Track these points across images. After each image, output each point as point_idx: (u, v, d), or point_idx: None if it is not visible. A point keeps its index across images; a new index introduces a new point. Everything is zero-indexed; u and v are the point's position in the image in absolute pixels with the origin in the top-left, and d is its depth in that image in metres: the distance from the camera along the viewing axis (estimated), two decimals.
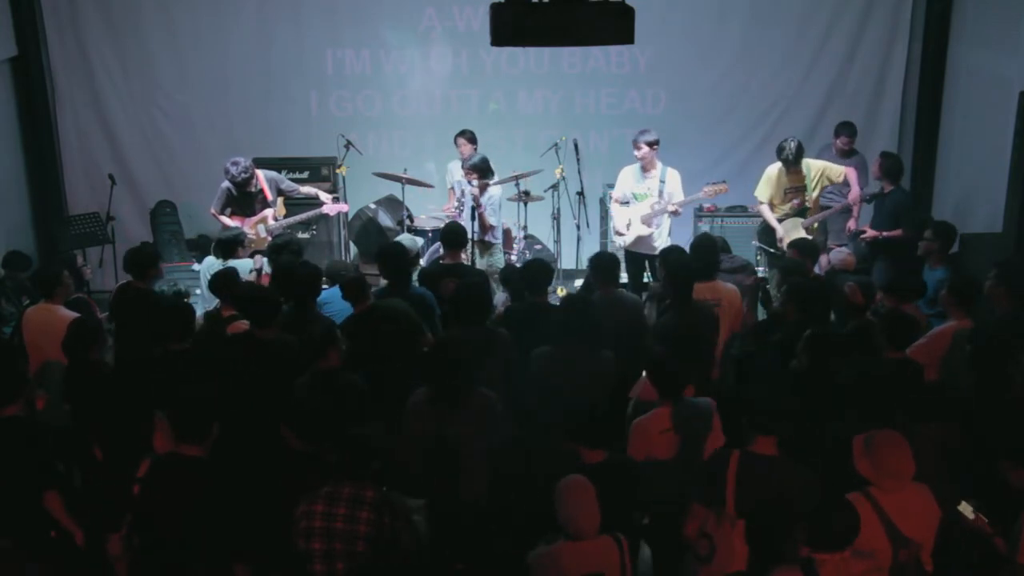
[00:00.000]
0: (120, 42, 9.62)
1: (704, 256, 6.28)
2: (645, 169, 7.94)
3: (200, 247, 9.32)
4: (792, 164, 7.86)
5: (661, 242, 8.02)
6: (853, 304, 5.68)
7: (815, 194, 8.03)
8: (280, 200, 8.26)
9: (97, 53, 9.60)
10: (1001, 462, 3.92)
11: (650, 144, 7.78)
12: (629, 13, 4.85)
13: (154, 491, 3.96)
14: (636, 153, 7.84)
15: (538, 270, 5.96)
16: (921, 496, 3.84)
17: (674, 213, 7.91)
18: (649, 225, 7.96)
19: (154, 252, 6.70)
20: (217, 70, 9.74)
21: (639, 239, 8.02)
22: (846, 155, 8.76)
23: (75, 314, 5.88)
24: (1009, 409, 4.50)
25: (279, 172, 8.64)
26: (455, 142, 8.88)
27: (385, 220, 8.99)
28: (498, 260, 8.13)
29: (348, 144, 8.88)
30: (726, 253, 7.33)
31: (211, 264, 6.89)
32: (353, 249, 9.29)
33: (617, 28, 4.86)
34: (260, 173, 8.10)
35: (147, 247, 7.02)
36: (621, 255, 7.98)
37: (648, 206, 7.96)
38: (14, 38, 9.18)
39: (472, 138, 8.82)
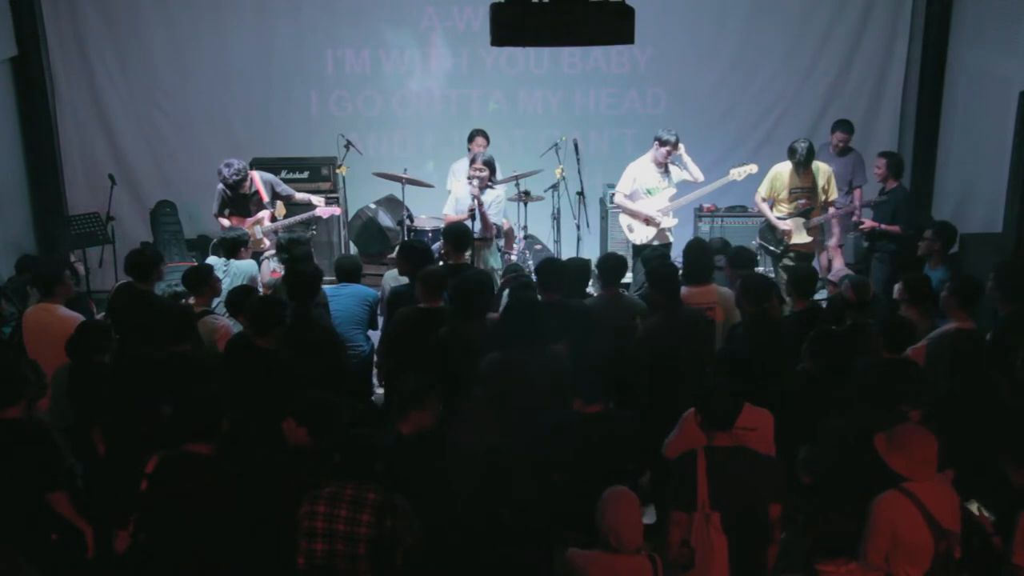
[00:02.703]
0: (120, 42, 9.62)
1: (697, 260, 6.27)
2: (660, 164, 7.99)
3: (200, 247, 9.32)
4: (803, 165, 7.89)
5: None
6: (848, 301, 5.73)
7: (821, 198, 8.03)
8: (280, 202, 8.26)
9: (97, 53, 9.60)
10: (1002, 457, 3.93)
11: (675, 144, 7.92)
12: (629, 13, 4.86)
13: (162, 487, 3.98)
14: (662, 150, 7.90)
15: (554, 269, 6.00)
16: (946, 485, 3.89)
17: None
18: (668, 216, 8.05)
19: (156, 255, 6.68)
20: (217, 70, 9.73)
21: (660, 232, 8.07)
22: (842, 153, 8.77)
23: (75, 314, 5.88)
24: (1004, 409, 4.52)
25: (278, 173, 8.66)
26: (472, 140, 8.88)
27: (385, 220, 9.00)
28: (494, 259, 8.13)
29: (348, 144, 8.89)
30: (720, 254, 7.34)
31: (213, 264, 6.89)
32: (353, 249, 9.29)
33: (617, 28, 4.87)
34: (256, 175, 8.10)
35: (148, 249, 7.00)
36: (626, 251, 8.08)
37: (666, 198, 8.02)
38: (14, 38, 9.18)
39: (487, 137, 8.88)
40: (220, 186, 7.95)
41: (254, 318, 5.18)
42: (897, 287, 5.87)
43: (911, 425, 3.89)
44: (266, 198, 8.12)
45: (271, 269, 6.83)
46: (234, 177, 7.83)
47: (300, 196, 8.41)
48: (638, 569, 3.69)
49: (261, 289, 6.84)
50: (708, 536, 3.85)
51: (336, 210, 8.63)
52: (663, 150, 7.91)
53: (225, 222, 7.90)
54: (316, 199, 8.38)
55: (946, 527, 3.76)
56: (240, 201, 8.02)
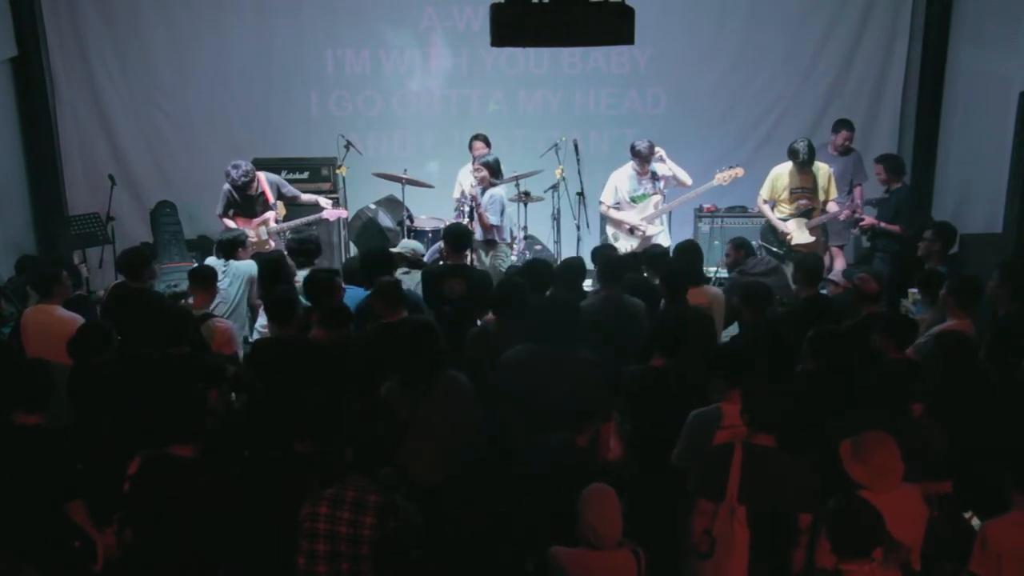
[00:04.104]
0: (120, 42, 9.62)
1: (689, 262, 6.29)
2: (641, 173, 7.99)
3: (200, 247, 9.32)
4: (805, 165, 7.88)
5: (663, 240, 8.11)
6: (865, 293, 5.74)
7: (822, 198, 8.02)
8: (280, 202, 8.25)
9: (97, 53, 9.61)
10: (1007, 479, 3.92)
11: (651, 150, 7.91)
12: (629, 13, 4.86)
13: (143, 489, 3.99)
14: (633, 161, 7.92)
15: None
16: (910, 497, 3.86)
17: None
18: (653, 224, 8.02)
19: (147, 253, 6.65)
20: (217, 70, 9.74)
21: (646, 240, 8.06)
22: (843, 153, 8.75)
23: (73, 314, 5.87)
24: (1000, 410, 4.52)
25: (278, 173, 8.64)
26: (470, 145, 8.89)
27: (385, 220, 9.00)
28: (504, 261, 8.12)
29: (348, 144, 8.89)
30: (752, 256, 7.34)
31: (213, 264, 6.88)
32: (353, 249, 9.29)
33: (617, 28, 4.88)
34: (262, 176, 8.09)
35: (142, 248, 6.98)
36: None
37: (651, 206, 8.01)
38: (14, 38, 9.18)
39: (487, 141, 8.87)
40: (226, 187, 7.94)
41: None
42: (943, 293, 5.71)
43: (876, 434, 3.85)
44: (272, 199, 8.11)
45: None
46: (242, 179, 7.83)
47: (306, 197, 8.40)
48: (621, 564, 3.69)
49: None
50: (732, 528, 3.86)
51: (343, 212, 8.61)
52: (635, 159, 7.94)
53: (230, 223, 7.88)
54: (324, 201, 8.37)
55: (898, 539, 3.71)
56: (246, 202, 8.01)
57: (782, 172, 8.07)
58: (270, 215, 8.06)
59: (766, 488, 3.89)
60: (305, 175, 9.27)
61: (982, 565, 3.72)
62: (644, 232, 8.07)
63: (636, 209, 8.07)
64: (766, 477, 3.91)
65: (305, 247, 6.91)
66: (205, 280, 6.15)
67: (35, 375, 4.39)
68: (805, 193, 7.99)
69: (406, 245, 7.67)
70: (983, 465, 4.25)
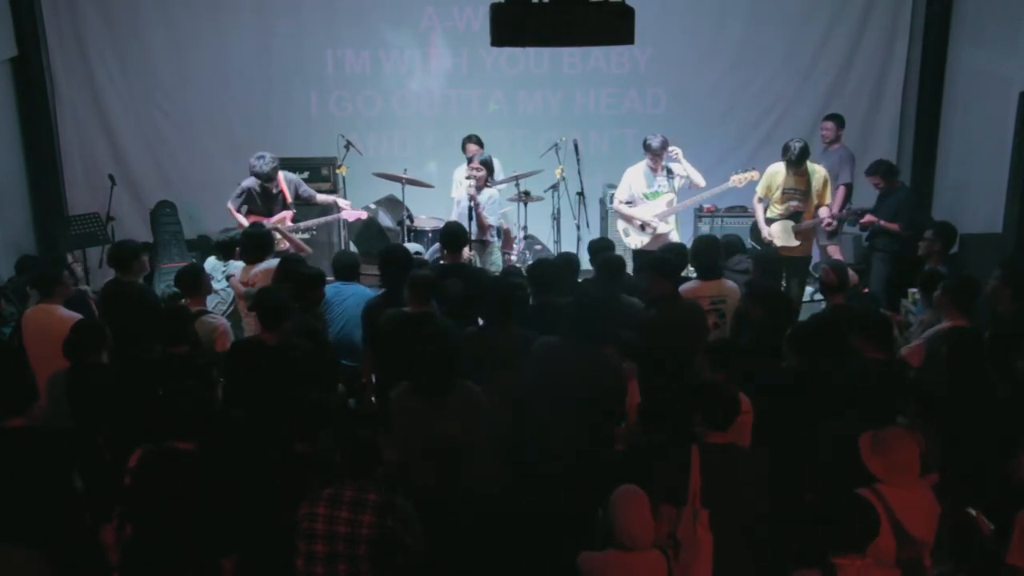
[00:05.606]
0: (120, 42, 9.63)
1: (705, 257, 6.29)
2: (655, 169, 7.98)
3: (200, 247, 9.32)
4: (794, 164, 7.79)
5: (673, 238, 8.10)
6: (828, 284, 5.82)
7: (816, 201, 7.95)
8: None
9: (97, 53, 9.61)
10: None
11: (664, 146, 7.88)
12: (629, 13, 4.86)
13: (144, 482, 3.99)
14: (647, 156, 7.90)
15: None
16: (925, 494, 3.88)
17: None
18: (666, 222, 8.01)
19: (136, 245, 6.60)
20: (217, 70, 9.74)
21: (657, 237, 8.03)
22: (830, 143, 8.72)
23: (74, 314, 5.85)
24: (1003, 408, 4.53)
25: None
26: (463, 148, 8.87)
27: (385, 220, 9.00)
28: (496, 260, 8.12)
29: (348, 144, 8.89)
30: (742, 254, 7.36)
31: (213, 265, 6.89)
32: (353, 249, 9.28)
33: (617, 28, 4.88)
34: (281, 174, 7.97)
35: (129, 241, 6.91)
36: (627, 255, 8.02)
37: (664, 204, 7.99)
38: (14, 38, 9.18)
39: (480, 142, 8.88)
40: (248, 181, 7.80)
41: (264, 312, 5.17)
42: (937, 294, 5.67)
43: (897, 429, 3.89)
44: (289, 198, 8.00)
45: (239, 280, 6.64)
46: (270, 164, 7.67)
47: (322, 198, 8.31)
48: (654, 565, 3.68)
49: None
50: (695, 532, 3.86)
51: (362, 214, 8.41)
52: (648, 155, 7.93)
53: (242, 219, 7.77)
54: (343, 202, 8.29)
55: (914, 535, 3.74)
56: (266, 199, 7.87)
57: (778, 171, 8.00)
58: (287, 214, 7.92)
59: (726, 487, 3.89)
60: (305, 175, 9.24)
61: (1022, 556, 3.73)
62: (655, 229, 8.05)
63: (649, 206, 8.05)
64: (725, 476, 3.91)
65: (258, 241, 6.77)
66: (190, 279, 6.06)
67: (11, 377, 4.36)
68: (796, 195, 7.87)
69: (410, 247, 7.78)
70: (985, 462, 4.25)
